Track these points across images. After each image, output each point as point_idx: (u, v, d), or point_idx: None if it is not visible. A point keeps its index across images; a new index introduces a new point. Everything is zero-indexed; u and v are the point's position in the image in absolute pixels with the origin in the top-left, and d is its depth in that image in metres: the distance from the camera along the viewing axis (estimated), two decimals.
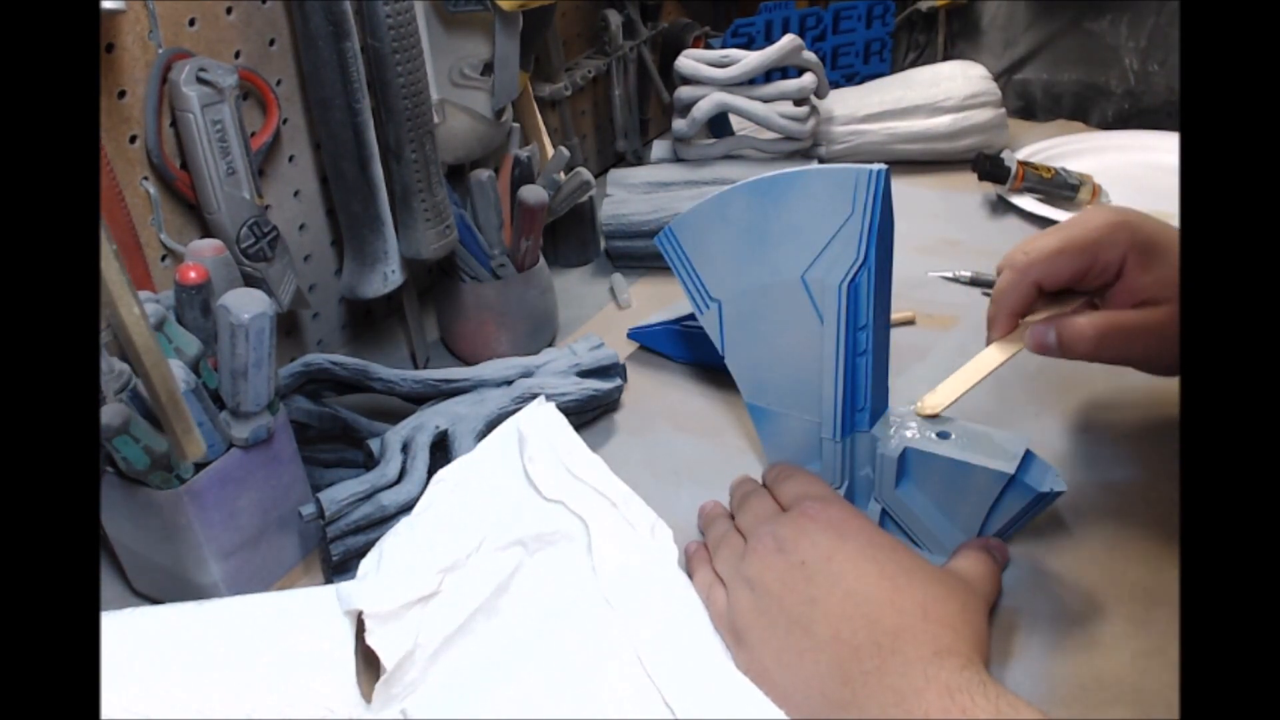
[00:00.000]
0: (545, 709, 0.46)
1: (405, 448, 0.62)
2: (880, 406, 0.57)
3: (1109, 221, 0.53)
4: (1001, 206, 0.97)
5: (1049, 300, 0.56)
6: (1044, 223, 0.92)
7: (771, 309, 0.56)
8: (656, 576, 0.52)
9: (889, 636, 0.43)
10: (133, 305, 0.37)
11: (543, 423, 0.59)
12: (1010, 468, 0.50)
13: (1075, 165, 0.98)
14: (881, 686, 0.41)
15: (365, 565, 0.54)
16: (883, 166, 0.51)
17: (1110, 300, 0.55)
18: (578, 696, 0.46)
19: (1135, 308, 0.53)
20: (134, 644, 0.46)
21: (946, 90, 1.04)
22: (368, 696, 0.48)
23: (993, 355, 0.55)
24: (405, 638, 0.48)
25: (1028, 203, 0.94)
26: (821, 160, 1.01)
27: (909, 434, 0.54)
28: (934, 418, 0.55)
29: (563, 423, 0.59)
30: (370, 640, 0.48)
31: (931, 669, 0.41)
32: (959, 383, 0.55)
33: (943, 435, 0.54)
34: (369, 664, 0.50)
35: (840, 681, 0.43)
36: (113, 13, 0.56)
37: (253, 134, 0.67)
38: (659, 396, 0.74)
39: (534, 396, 0.66)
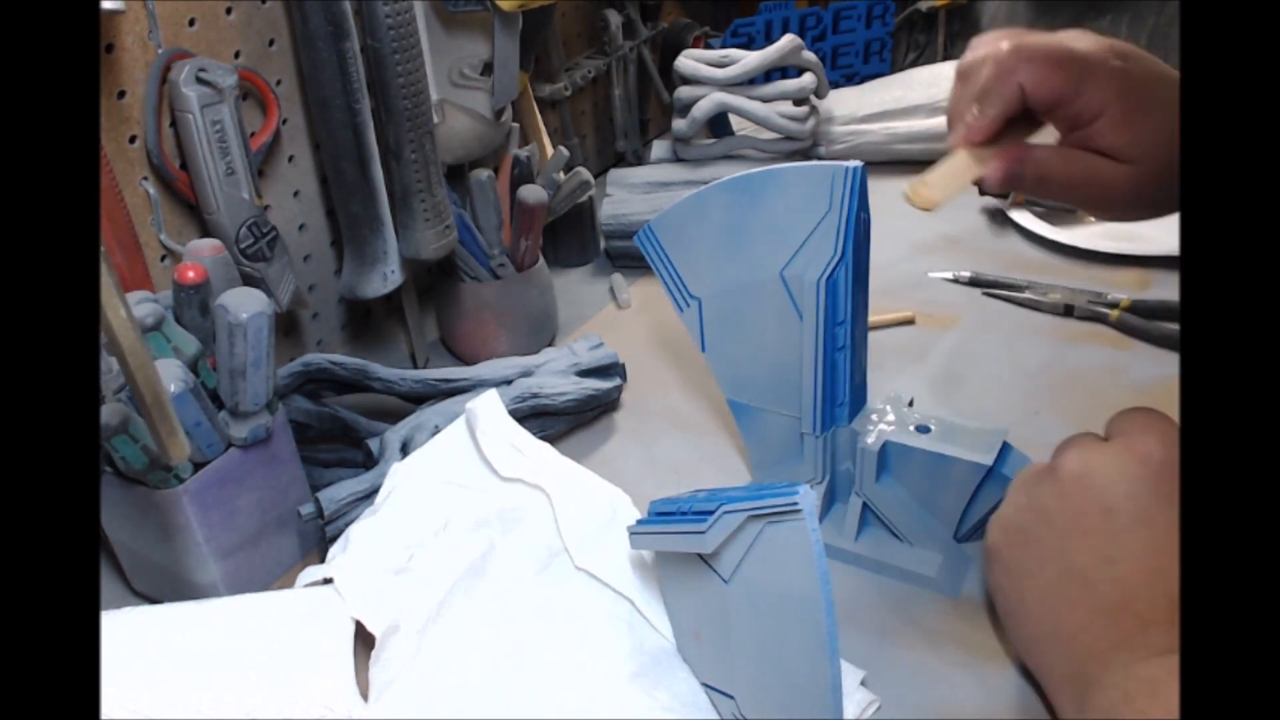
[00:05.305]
0: (539, 685, 0.48)
1: (404, 447, 0.62)
2: (859, 401, 0.57)
3: (1107, 48, 0.46)
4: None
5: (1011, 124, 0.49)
6: (1042, 241, 0.91)
7: (751, 306, 0.56)
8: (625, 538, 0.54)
9: None
10: (119, 307, 0.37)
11: (487, 409, 0.60)
12: (988, 459, 0.51)
13: None
14: (1171, 665, 0.37)
15: (333, 551, 0.55)
16: (858, 163, 0.51)
17: (1072, 139, 0.48)
18: (568, 671, 0.48)
19: (1095, 153, 0.47)
20: (134, 644, 0.46)
21: (946, 90, 1.03)
22: (366, 694, 0.48)
23: (967, 163, 0.50)
24: (387, 607, 0.50)
25: (1026, 219, 0.92)
26: (821, 160, 1.01)
27: (888, 428, 0.54)
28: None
29: (504, 410, 0.61)
30: (353, 611, 0.49)
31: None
32: (949, 181, 0.51)
33: (922, 429, 0.54)
34: (367, 663, 0.50)
35: (1119, 646, 0.40)
36: (112, 13, 0.56)
37: (252, 134, 0.67)
38: (658, 396, 0.74)
39: (533, 396, 0.66)
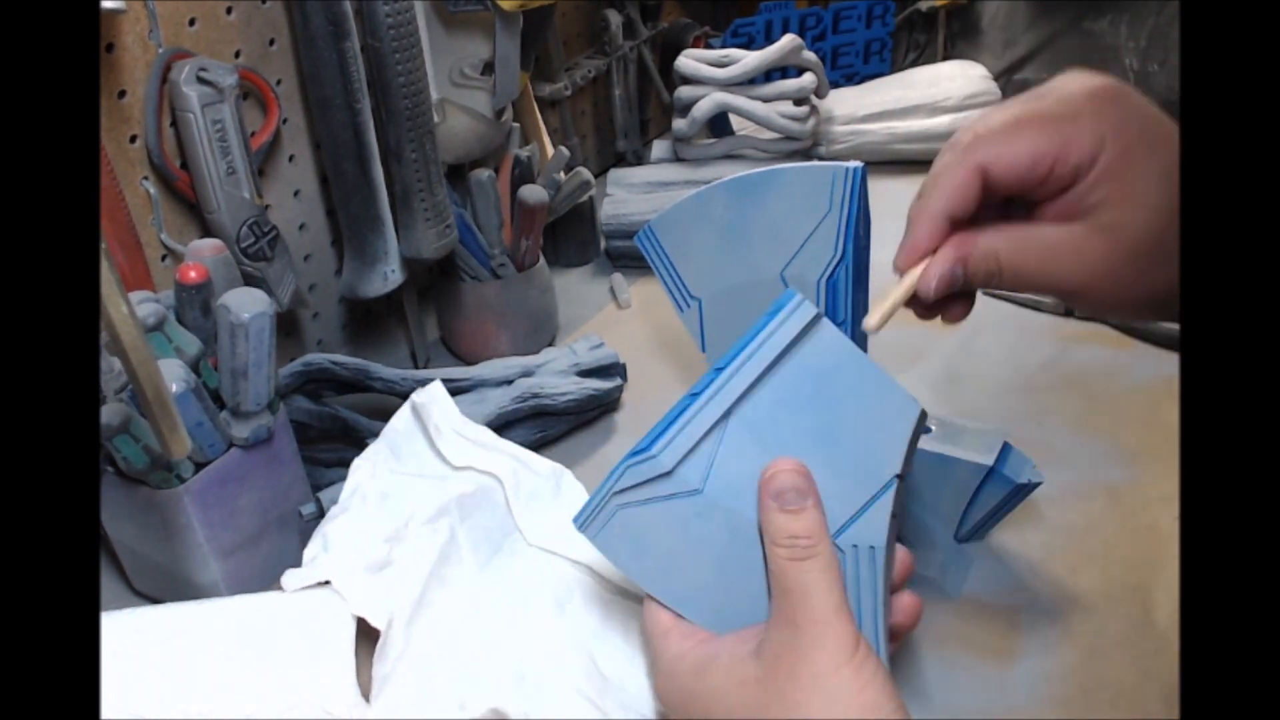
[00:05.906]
0: (522, 659, 0.50)
1: None
2: None
3: (1091, 90, 0.37)
4: None
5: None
6: None
7: (751, 306, 0.56)
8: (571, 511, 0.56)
9: None
10: (120, 304, 0.37)
11: (433, 400, 0.61)
12: (989, 459, 0.51)
13: None
14: None
15: (310, 550, 0.54)
16: (859, 164, 0.51)
17: (1050, 210, 0.39)
18: (544, 639, 0.51)
19: (1076, 221, 0.37)
20: (134, 644, 0.46)
21: (946, 90, 1.04)
22: (367, 694, 0.48)
23: (901, 284, 0.42)
24: (384, 600, 0.50)
25: None
26: (821, 160, 1.01)
27: None
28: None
29: (449, 399, 0.62)
30: (355, 609, 0.50)
31: None
32: (881, 304, 0.43)
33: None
34: (369, 661, 0.50)
35: None
36: (113, 12, 0.56)
37: (253, 134, 0.67)
38: (659, 396, 0.74)
39: (533, 396, 0.66)
